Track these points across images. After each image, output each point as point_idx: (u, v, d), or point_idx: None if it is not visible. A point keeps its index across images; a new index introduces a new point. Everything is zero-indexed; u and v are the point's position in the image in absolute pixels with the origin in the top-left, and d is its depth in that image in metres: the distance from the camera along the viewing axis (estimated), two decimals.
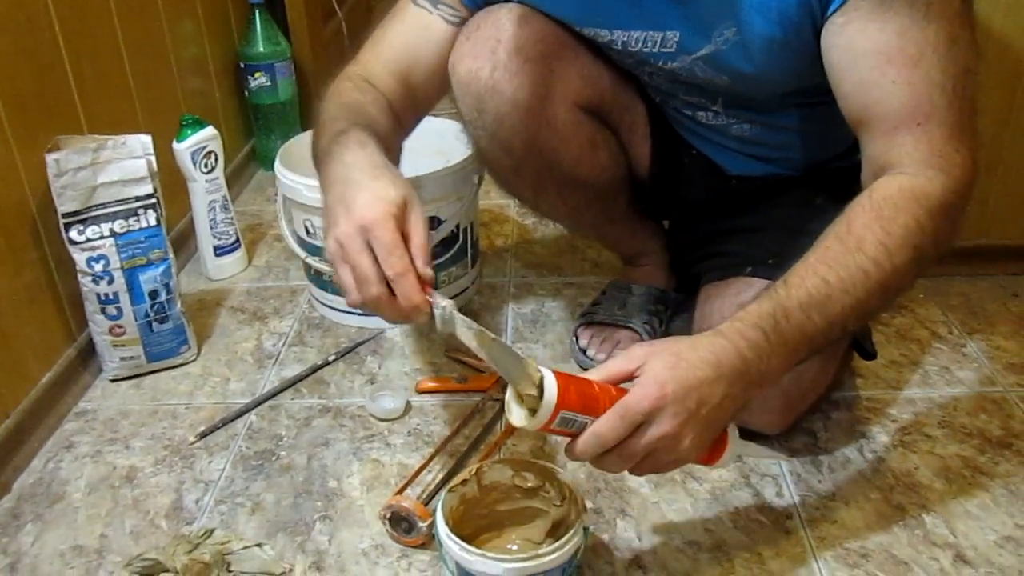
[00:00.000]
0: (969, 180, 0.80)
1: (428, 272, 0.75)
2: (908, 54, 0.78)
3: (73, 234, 1.13)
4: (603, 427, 0.71)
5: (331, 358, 1.24)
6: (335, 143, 0.83)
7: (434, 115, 1.43)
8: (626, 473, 0.98)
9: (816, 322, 0.76)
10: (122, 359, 1.20)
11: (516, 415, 0.73)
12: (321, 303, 1.35)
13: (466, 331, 0.74)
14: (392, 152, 0.92)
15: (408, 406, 1.13)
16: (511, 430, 1.08)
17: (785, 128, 1.03)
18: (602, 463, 0.74)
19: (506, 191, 1.15)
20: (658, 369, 0.72)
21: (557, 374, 0.72)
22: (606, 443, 0.71)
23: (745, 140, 1.05)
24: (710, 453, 0.79)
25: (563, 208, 1.17)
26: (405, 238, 0.75)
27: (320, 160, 0.86)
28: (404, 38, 1.03)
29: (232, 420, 1.13)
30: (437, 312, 0.75)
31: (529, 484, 0.88)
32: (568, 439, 0.74)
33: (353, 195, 0.76)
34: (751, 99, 1.00)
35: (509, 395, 0.74)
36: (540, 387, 0.71)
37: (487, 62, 1.00)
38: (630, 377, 0.74)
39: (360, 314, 1.30)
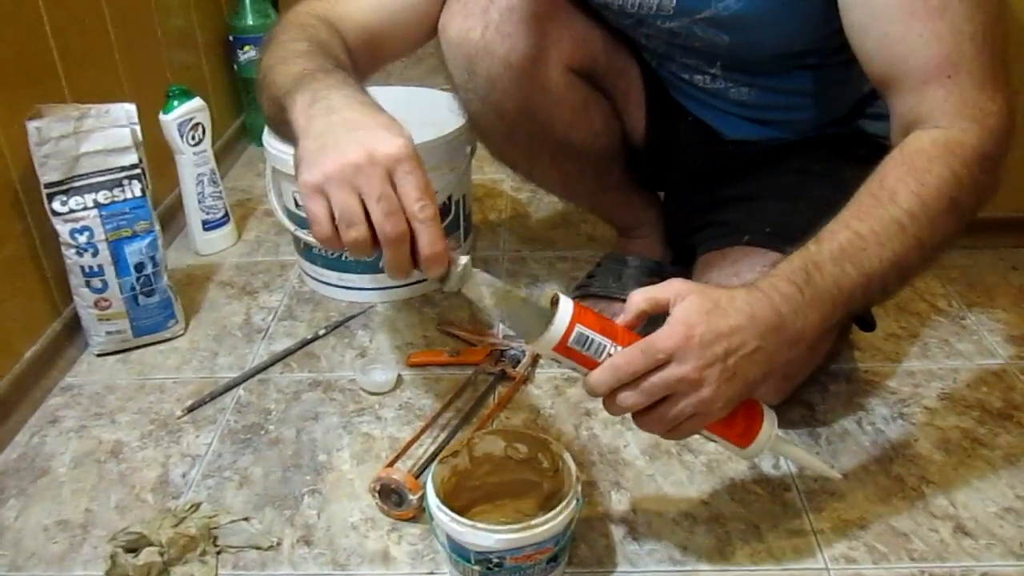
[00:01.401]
0: (1006, 128, 0.76)
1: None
2: (932, 5, 0.75)
3: (56, 205, 1.10)
4: (622, 358, 0.69)
5: (321, 332, 1.22)
6: (315, 78, 0.73)
7: (425, 86, 1.42)
8: (621, 445, 0.97)
9: (852, 275, 0.72)
10: (108, 333, 1.18)
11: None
12: (311, 277, 1.32)
13: (484, 288, 0.71)
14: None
15: (399, 379, 1.11)
16: (504, 402, 1.06)
17: (785, 91, 1.01)
18: (618, 399, 0.70)
19: (498, 158, 1.13)
20: (691, 311, 0.69)
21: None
22: (623, 375, 0.68)
23: (743, 104, 1.03)
24: (742, 430, 0.76)
25: (557, 176, 1.15)
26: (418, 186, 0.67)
27: (290, 91, 0.74)
28: None
29: (220, 394, 1.11)
30: (459, 266, 0.69)
31: (522, 455, 0.86)
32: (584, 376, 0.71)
33: (368, 128, 0.67)
34: (750, 62, 0.98)
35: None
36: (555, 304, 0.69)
37: (479, 22, 0.97)
38: (664, 307, 0.71)
39: (352, 288, 1.28)
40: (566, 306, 0.70)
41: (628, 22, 1.01)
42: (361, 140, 0.66)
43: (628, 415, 0.72)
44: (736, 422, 0.76)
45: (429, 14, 1.00)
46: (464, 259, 0.71)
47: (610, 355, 0.70)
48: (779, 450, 0.81)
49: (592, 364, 0.70)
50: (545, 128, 1.05)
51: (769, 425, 0.77)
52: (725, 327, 0.69)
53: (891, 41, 0.78)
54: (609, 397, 0.71)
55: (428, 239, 0.67)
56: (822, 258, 0.73)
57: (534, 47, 0.99)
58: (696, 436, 0.76)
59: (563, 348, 0.70)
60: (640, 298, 0.72)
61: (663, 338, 0.68)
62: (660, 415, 0.71)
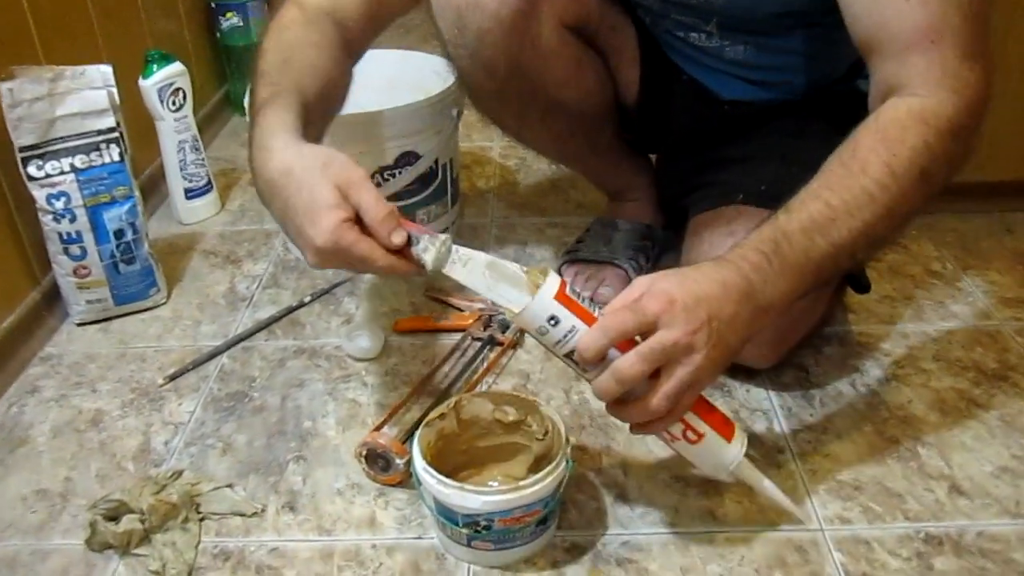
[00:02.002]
0: (982, 99, 0.75)
1: (399, 238, 0.69)
2: None
3: (31, 169, 1.07)
4: (610, 318, 0.68)
5: (307, 299, 1.19)
6: (261, 115, 0.77)
7: (413, 50, 1.38)
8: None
9: (821, 246, 0.73)
10: (88, 302, 1.15)
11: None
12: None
13: (461, 267, 0.71)
14: (329, 102, 0.87)
15: (386, 346, 1.09)
16: (492, 367, 1.04)
17: (780, 51, 0.99)
18: (619, 367, 0.67)
19: (488, 118, 1.10)
20: (665, 285, 0.69)
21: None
22: (614, 334, 0.67)
23: (739, 63, 1.01)
24: (722, 420, 0.76)
25: (547, 137, 1.12)
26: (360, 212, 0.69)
27: (252, 120, 0.78)
28: None
29: (203, 362, 1.08)
30: (431, 252, 0.70)
31: (510, 418, 0.84)
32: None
33: (298, 213, 0.70)
34: (746, 20, 0.96)
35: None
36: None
37: None
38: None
39: None
40: (552, 272, 0.70)
41: None
42: (301, 234, 0.70)
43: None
44: (715, 413, 0.76)
45: None
46: (443, 237, 0.71)
47: (599, 310, 0.70)
48: (745, 475, 0.79)
49: (588, 317, 0.69)
50: (536, 86, 1.02)
51: (741, 433, 0.77)
52: (702, 293, 0.69)
53: (878, 5, 0.77)
54: (604, 378, 0.69)
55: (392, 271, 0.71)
56: (791, 228, 0.73)
57: (526, 2, 0.96)
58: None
59: (563, 296, 0.69)
60: (610, 313, 0.70)
61: (648, 304, 0.68)
62: (663, 392, 0.68)
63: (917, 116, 0.74)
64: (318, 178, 0.69)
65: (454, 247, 0.72)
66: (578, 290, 0.71)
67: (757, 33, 0.98)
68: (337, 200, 0.68)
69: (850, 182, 0.73)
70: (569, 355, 0.70)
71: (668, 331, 0.67)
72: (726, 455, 0.76)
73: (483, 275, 0.72)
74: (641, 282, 0.71)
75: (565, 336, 0.69)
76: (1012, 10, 1.22)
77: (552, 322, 0.69)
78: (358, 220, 0.69)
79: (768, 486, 0.79)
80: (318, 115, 0.83)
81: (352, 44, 0.91)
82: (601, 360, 0.69)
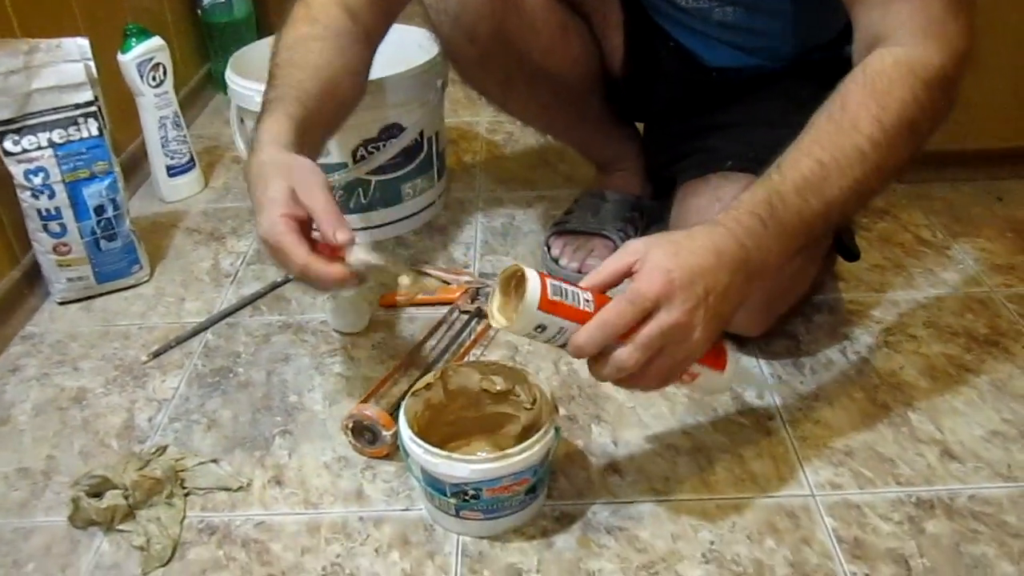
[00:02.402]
0: (966, 50, 0.75)
1: (344, 236, 0.72)
2: None
3: (8, 144, 1.05)
4: (609, 313, 0.66)
5: (292, 275, 1.18)
6: (260, 120, 0.82)
7: (396, 23, 1.36)
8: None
9: (813, 205, 0.72)
10: (69, 280, 1.13)
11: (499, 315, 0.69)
12: None
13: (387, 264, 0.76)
14: (334, 98, 0.90)
15: (372, 320, 1.08)
16: (479, 339, 1.03)
17: (768, 12, 0.97)
18: (616, 358, 0.67)
19: (472, 87, 1.08)
20: (659, 257, 0.67)
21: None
22: (614, 330, 0.66)
23: (727, 26, 0.99)
24: (715, 355, 0.75)
25: (533, 106, 1.10)
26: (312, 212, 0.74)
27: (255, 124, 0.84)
28: None
29: (187, 339, 1.07)
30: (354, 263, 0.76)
31: (498, 388, 0.83)
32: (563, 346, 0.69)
33: (255, 206, 0.76)
34: None
35: (492, 306, 0.69)
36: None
37: None
38: (628, 273, 0.69)
39: None
40: (530, 271, 0.67)
41: None
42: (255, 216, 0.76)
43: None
44: (711, 350, 0.74)
45: None
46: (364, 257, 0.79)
47: (587, 301, 0.67)
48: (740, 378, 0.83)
49: (579, 314, 0.67)
50: (521, 54, 1.00)
51: (730, 346, 0.77)
52: (697, 266, 0.67)
53: None
54: (599, 360, 0.68)
55: (316, 277, 0.73)
56: (785, 188, 0.72)
57: None
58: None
59: (546, 301, 0.66)
60: (599, 276, 0.70)
61: (646, 286, 0.66)
62: (657, 369, 0.68)
63: (904, 67, 0.73)
64: (277, 177, 0.75)
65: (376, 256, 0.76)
66: (561, 284, 0.67)
67: None
68: (284, 198, 0.73)
69: (841, 139, 0.72)
70: (564, 345, 0.69)
71: (667, 313, 0.66)
72: (720, 383, 0.77)
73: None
74: (635, 247, 0.69)
75: (555, 336, 0.68)
76: None
77: (539, 330, 0.67)
78: (311, 225, 0.74)
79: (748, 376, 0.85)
80: (321, 114, 0.87)
81: (367, 30, 0.94)
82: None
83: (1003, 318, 1.05)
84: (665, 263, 0.67)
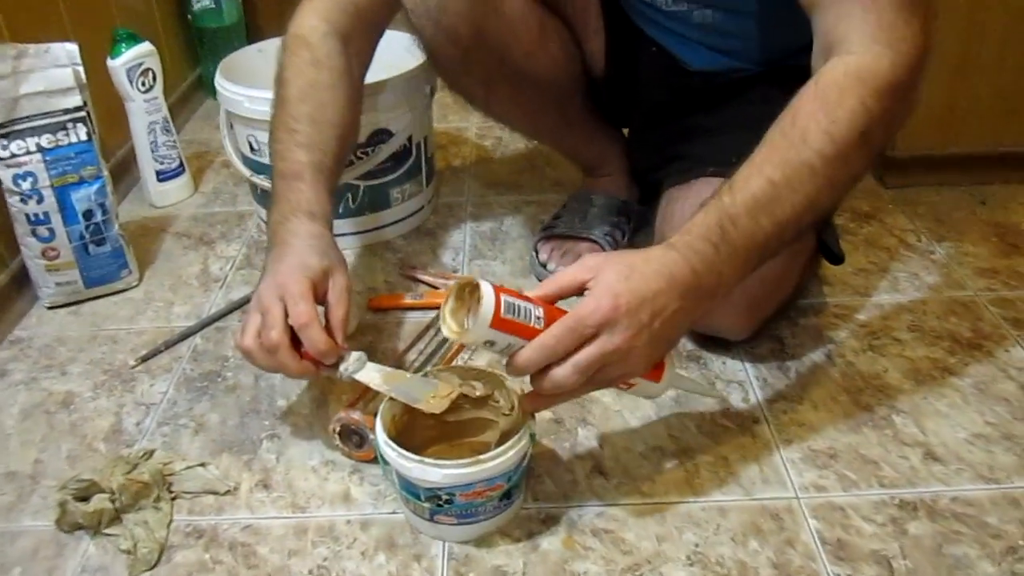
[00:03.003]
0: (920, 54, 0.74)
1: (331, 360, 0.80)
2: None
3: None
4: (550, 337, 0.68)
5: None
6: (290, 189, 0.89)
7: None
8: None
9: (765, 226, 0.72)
10: (58, 284, 1.13)
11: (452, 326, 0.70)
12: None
13: (374, 372, 0.81)
14: (347, 146, 0.98)
15: (360, 323, 1.08)
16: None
17: (747, 13, 0.98)
18: (552, 377, 0.69)
19: (456, 91, 1.09)
20: (611, 280, 0.69)
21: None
22: (553, 354, 0.68)
23: (707, 28, 1.00)
24: (653, 368, 0.77)
25: (516, 109, 1.11)
26: (326, 307, 0.82)
27: (274, 192, 0.91)
28: None
29: (176, 343, 1.07)
30: (349, 361, 0.81)
31: (478, 393, 0.83)
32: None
33: (282, 256, 0.83)
34: None
35: (444, 310, 0.71)
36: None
37: None
38: (582, 287, 0.71)
39: None
40: (486, 286, 0.68)
41: None
42: (275, 267, 0.83)
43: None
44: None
45: None
46: (357, 354, 0.82)
47: (538, 318, 0.69)
48: (678, 384, 0.84)
49: (528, 331, 0.68)
50: (502, 55, 1.01)
51: (671, 366, 0.79)
52: (647, 291, 0.69)
53: None
54: (539, 376, 0.70)
55: (307, 339, 0.78)
56: (736, 211, 0.72)
57: None
58: None
59: (498, 320, 0.67)
60: (553, 286, 0.72)
61: (589, 312, 0.68)
62: (589, 384, 0.71)
63: (854, 76, 0.73)
64: (319, 250, 0.84)
65: (368, 363, 0.82)
66: (515, 301, 0.69)
67: None
68: (319, 270, 0.82)
69: (791, 155, 0.72)
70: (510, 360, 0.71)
71: (609, 338, 0.68)
72: (655, 391, 0.80)
73: (386, 379, 0.81)
74: (590, 264, 0.71)
75: (504, 350, 0.70)
76: None
77: (488, 344, 0.69)
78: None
79: (692, 384, 0.89)
80: (339, 170, 0.97)
81: (359, 55, 1.00)
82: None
83: (986, 321, 1.06)
84: (615, 287, 0.68)
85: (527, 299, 0.70)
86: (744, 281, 0.90)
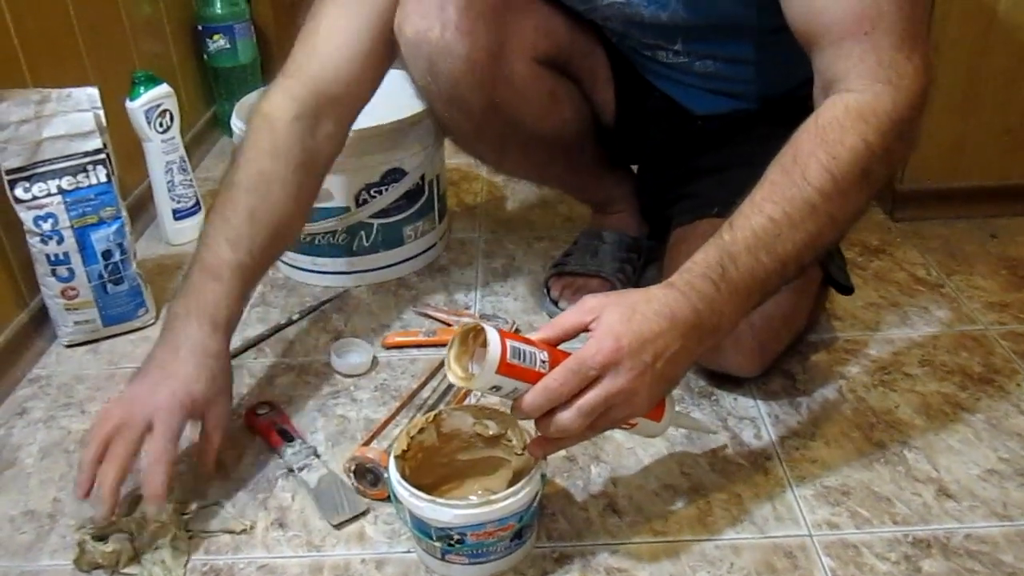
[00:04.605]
0: (920, 91, 0.76)
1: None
2: None
3: (19, 192, 1.07)
4: (554, 380, 0.68)
5: (295, 317, 1.20)
6: (203, 285, 0.89)
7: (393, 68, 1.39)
8: None
9: (766, 264, 0.73)
10: (76, 323, 1.15)
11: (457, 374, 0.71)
12: (285, 263, 1.30)
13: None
14: (278, 245, 0.96)
15: (375, 361, 1.09)
16: None
17: (747, 61, 1.00)
18: (557, 421, 0.69)
19: (468, 154, 1.11)
20: (613, 322, 0.69)
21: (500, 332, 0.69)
22: (558, 397, 0.68)
23: (708, 76, 1.02)
24: (655, 408, 0.78)
25: (527, 166, 1.13)
26: (202, 434, 0.87)
27: (187, 276, 0.91)
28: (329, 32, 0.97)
29: None
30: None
31: (491, 432, 0.84)
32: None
33: (169, 370, 0.85)
34: (707, 27, 0.96)
35: (449, 355, 0.71)
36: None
37: (436, 21, 0.93)
38: (583, 329, 0.71)
39: (326, 272, 1.26)
40: (491, 332, 0.68)
41: (582, 8, 1.00)
42: (157, 380, 0.86)
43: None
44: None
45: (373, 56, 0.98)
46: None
47: (543, 362, 0.69)
48: (678, 422, 0.85)
49: (533, 376, 0.69)
50: (514, 123, 1.03)
51: (671, 405, 0.80)
52: (649, 332, 0.69)
53: None
54: (544, 420, 0.70)
55: (150, 476, 0.81)
56: (736, 249, 0.73)
57: (495, 42, 0.96)
58: None
59: (504, 365, 0.68)
60: (555, 329, 0.73)
61: (592, 354, 0.68)
62: (593, 428, 0.71)
63: (855, 114, 0.74)
64: (208, 375, 0.85)
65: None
66: (520, 346, 0.69)
67: (721, 43, 0.99)
68: (177, 425, 0.83)
69: (792, 192, 0.73)
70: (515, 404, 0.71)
71: (613, 380, 0.68)
72: (656, 429, 0.81)
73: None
74: (591, 305, 0.72)
75: (509, 394, 0.70)
76: (990, 16, 1.24)
77: (494, 389, 0.70)
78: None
79: (691, 421, 0.91)
80: (264, 262, 0.94)
81: (328, 142, 0.98)
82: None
83: (997, 356, 1.06)
84: (617, 328, 0.69)
85: (531, 343, 0.71)
86: (753, 321, 0.91)
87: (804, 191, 0.73)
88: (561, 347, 0.73)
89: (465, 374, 0.70)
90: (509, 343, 0.68)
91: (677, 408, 0.83)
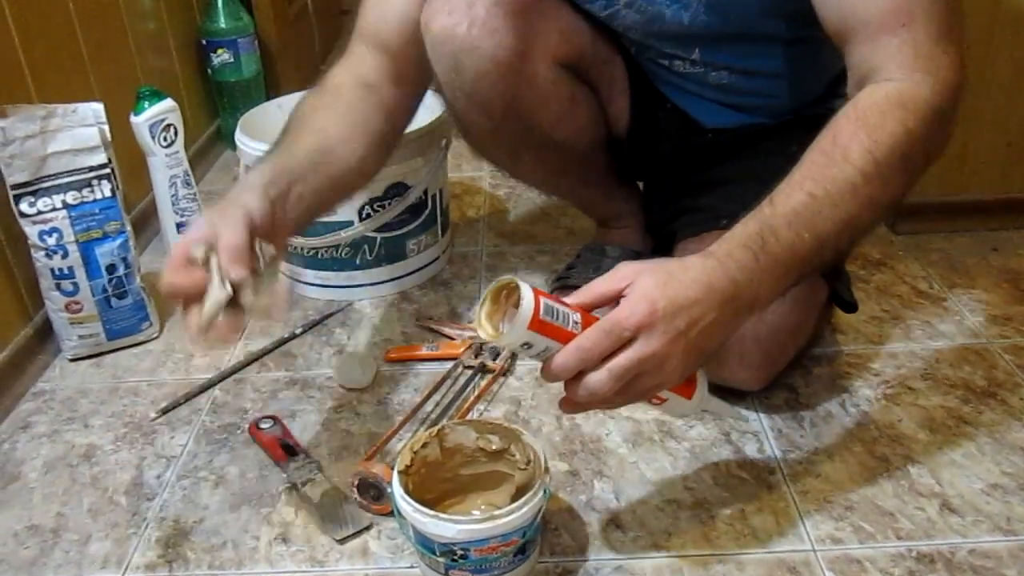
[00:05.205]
0: (958, 83, 0.76)
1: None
2: None
3: (24, 207, 1.08)
4: (587, 340, 0.67)
5: (298, 331, 1.20)
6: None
7: None
8: (603, 434, 0.96)
9: (806, 239, 0.71)
10: (80, 337, 1.15)
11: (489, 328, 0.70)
12: (288, 276, 1.31)
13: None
14: (324, 161, 0.90)
15: (377, 375, 1.09)
16: (483, 394, 1.05)
17: (761, 75, 1.00)
18: (588, 383, 0.67)
19: (482, 156, 1.12)
20: (648, 286, 0.67)
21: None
22: (590, 358, 0.67)
23: (722, 88, 1.02)
24: (686, 383, 0.76)
25: (541, 172, 1.14)
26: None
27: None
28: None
29: (195, 395, 1.09)
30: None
31: (494, 447, 0.84)
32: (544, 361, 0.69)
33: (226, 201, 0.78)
34: (728, 36, 0.97)
35: (480, 313, 0.70)
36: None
37: (464, 17, 0.95)
38: (617, 297, 0.69)
39: (330, 286, 1.27)
40: (525, 287, 0.67)
41: (604, 15, 1.01)
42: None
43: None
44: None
45: None
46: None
47: (576, 323, 0.68)
48: (708, 405, 0.82)
49: (565, 335, 0.68)
50: (531, 124, 1.04)
51: (702, 378, 0.78)
52: (685, 299, 0.67)
53: None
54: (573, 382, 0.69)
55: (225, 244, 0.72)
56: (777, 222, 0.71)
57: (521, 42, 0.97)
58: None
59: (536, 321, 0.67)
60: (589, 295, 0.70)
61: (626, 315, 0.66)
62: (627, 393, 0.69)
63: (895, 100, 0.74)
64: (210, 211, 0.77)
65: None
66: (553, 304, 0.68)
67: (738, 56, 1.00)
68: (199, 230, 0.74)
69: (833, 172, 0.72)
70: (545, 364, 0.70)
71: (646, 343, 0.66)
72: (686, 408, 0.79)
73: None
74: (625, 272, 0.69)
75: (540, 353, 0.69)
76: (991, 31, 1.24)
77: (525, 346, 0.68)
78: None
79: (721, 407, 0.86)
80: (312, 175, 0.86)
81: (384, 104, 0.97)
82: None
83: (1000, 369, 1.06)
84: (652, 292, 0.67)
85: (565, 304, 0.69)
86: (759, 335, 0.92)
87: (845, 171, 0.72)
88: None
89: (496, 332, 0.69)
90: (543, 300, 0.67)
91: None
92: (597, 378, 0.67)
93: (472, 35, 0.95)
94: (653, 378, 0.69)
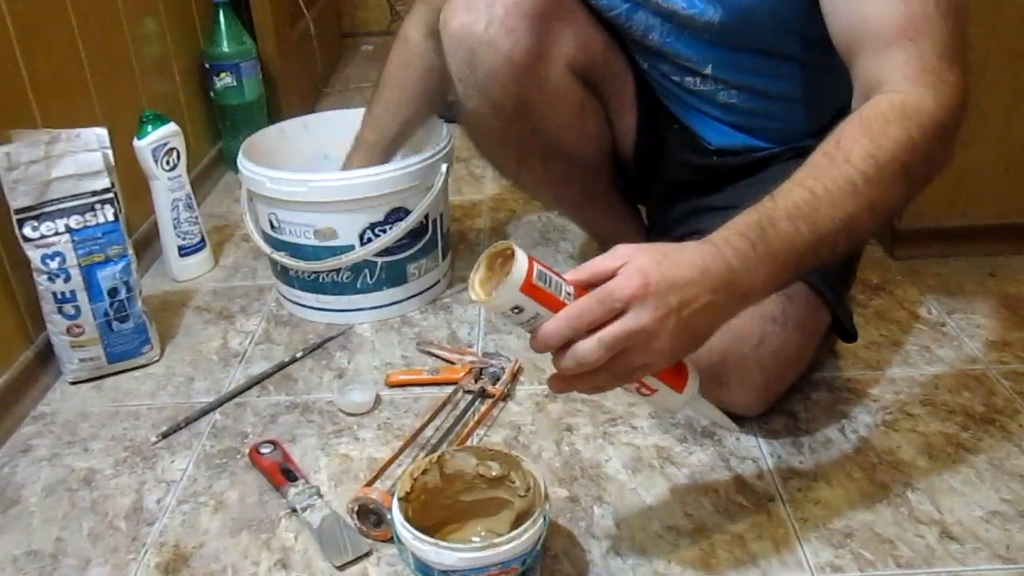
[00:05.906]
0: (962, 100, 0.77)
1: None
2: None
3: (27, 231, 1.09)
4: (577, 308, 0.67)
5: (299, 355, 1.20)
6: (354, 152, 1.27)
7: None
8: (603, 460, 0.96)
9: (805, 234, 0.72)
10: (81, 360, 1.16)
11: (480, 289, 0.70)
12: (289, 300, 1.31)
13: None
14: (414, 105, 1.24)
15: (378, 399, 1.10)
16: (483, 419, 1.05)
17: (771, 96, 1.02)
18: (576, 352, 0.67)
19: (489, 159, 1.13)
20: (643, 262, 0.68)
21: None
22: (579, 324, 0.67)
23: (731, 107, 1.03)
24: (676, 373, 0.76)
25: (546, 180, 1.15)
26: None
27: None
28: None
29: (196, 419, 1.09)
30: None
31: (494, 473, 0.84)
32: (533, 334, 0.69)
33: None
34: (743, 47, 0.98)
35: (475, 278, 0.70)
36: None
37: (483, 16, 0.97)
38: (613, 274, 0.69)
39: (330, 310, 1.27)
40: (520, 251, 0.68)
41: (622, 22, 1.02)
42: None
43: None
44: (673, 369, 0.76)
45: None
46: None
47: (568, 294, 0.68)
48: (697, 405, 0.81)
49: (556, 303, 0.68)
50: (539, 127, 1.05)
51: (694, 374, 0.78)
52: (678, 278, 0.68)
53: (858, 2, 0.79)
54: (562, 352, 0.68)
55: None
56: (777, 215, 0.72)
57: (537, 44, 1.00)
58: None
59: (529, 285, 0.67)
60: (585, 272, 0.70)
61: (619, 287, 0.67)
62: (615, 370, 0.69)
63: (899, 110, 0.75)
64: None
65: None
66: (547, 272, 0.68)
67: (751, 73, 1.01)
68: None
69: (834, 172, 0.73)
70: (535, 332, 0.70)
71: (636, 316, 0.67)
72: (675, 403, 0.78)
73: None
74: (623, 251, 0.70)
75: (530, 320, 0.69)
76: (985, 55, 1.25)
77: (516, 310, 0.68)
78: None
79: (711, 411, 0.84)
80: (396, 137, 1.27)
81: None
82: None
83: (999, 395, 1.07)
84: (646, 267, 0.67)
85: (560, 276, 0.69)
86: (762, 358, 0.92)
87: (845, 171, 0.73)
88: None
89: (487, 296, 0.69)
90: (536, 265, 0.67)
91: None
92: (586, 346, 0.67)
93: (489, 33, 0.98)
94: (642, 355, 0.68)
